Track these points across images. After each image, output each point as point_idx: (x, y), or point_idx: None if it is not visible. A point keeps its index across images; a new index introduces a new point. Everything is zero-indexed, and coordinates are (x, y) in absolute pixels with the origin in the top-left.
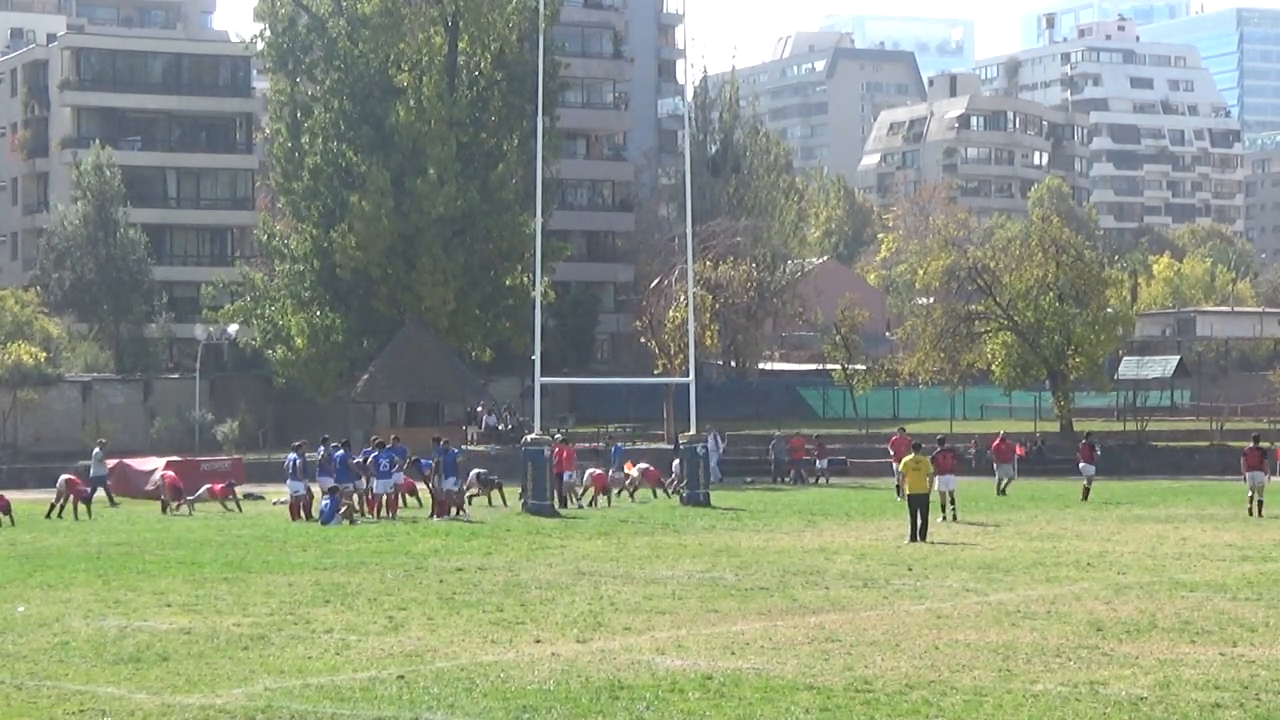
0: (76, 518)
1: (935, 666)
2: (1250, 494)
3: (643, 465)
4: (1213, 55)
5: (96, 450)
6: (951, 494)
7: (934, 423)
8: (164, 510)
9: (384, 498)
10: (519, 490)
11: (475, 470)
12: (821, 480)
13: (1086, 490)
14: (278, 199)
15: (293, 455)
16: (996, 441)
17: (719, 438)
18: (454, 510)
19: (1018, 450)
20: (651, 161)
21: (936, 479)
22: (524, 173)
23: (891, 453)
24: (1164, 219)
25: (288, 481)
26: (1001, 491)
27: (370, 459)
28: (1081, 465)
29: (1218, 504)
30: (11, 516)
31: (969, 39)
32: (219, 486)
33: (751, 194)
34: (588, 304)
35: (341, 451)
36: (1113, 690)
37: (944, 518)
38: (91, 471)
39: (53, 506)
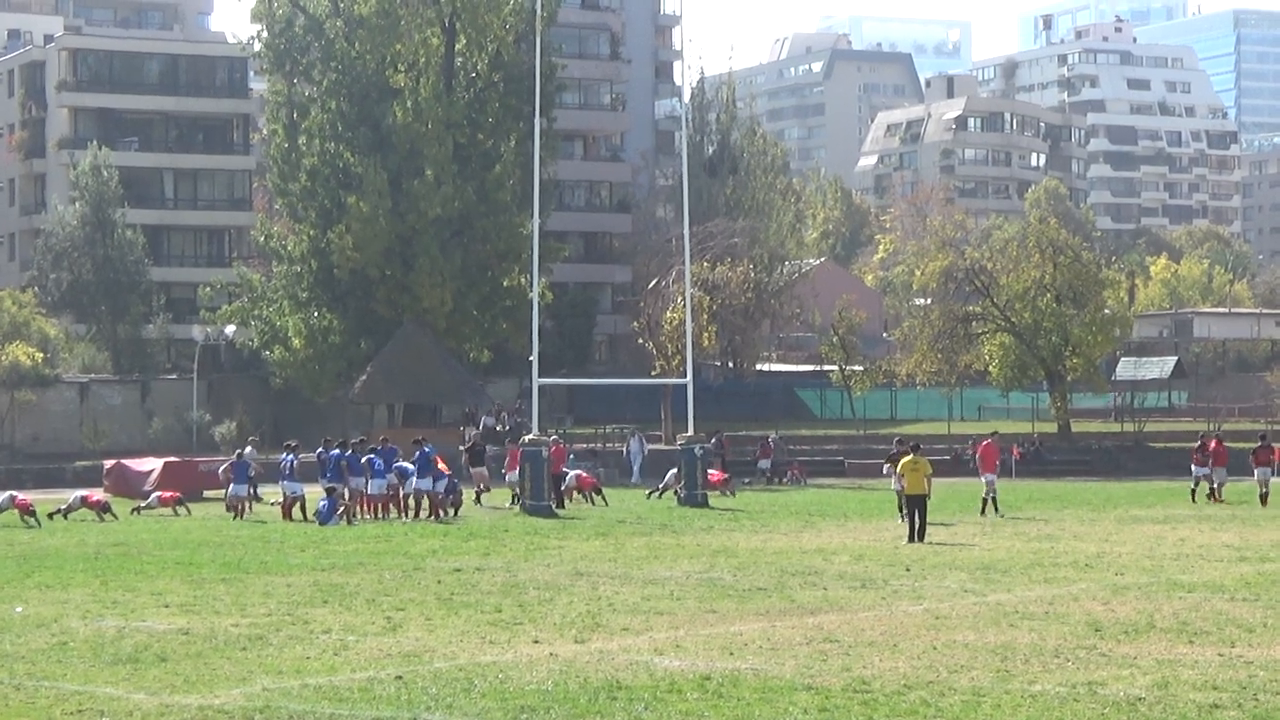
0: (103, 520)
1: (933, 667)
2: None
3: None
4: (1210, 57)
5: (249, 450)
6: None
7: (932, 423)
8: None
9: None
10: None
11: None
12: (758, 482)
13: (1264, 496)
14: (275, 200)
15: (289, 456)
16: (1259, 445)
17: (642, 440)
18: (441, 512)
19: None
20: (649, 162)
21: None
22: (521, 174)
23: (980, 460)
24: (1161, 220)
25: (283, 482)
26: (1262, 498)
27: (366, 459)
28: (1258, 471)
29: (1216, 504)
30: (29, 519)
31: (966, 40)
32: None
33: (749, 195)
34: (585, 305)
35: (336, 452)
36: (1111, 691)
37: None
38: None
39: (63, 513)
